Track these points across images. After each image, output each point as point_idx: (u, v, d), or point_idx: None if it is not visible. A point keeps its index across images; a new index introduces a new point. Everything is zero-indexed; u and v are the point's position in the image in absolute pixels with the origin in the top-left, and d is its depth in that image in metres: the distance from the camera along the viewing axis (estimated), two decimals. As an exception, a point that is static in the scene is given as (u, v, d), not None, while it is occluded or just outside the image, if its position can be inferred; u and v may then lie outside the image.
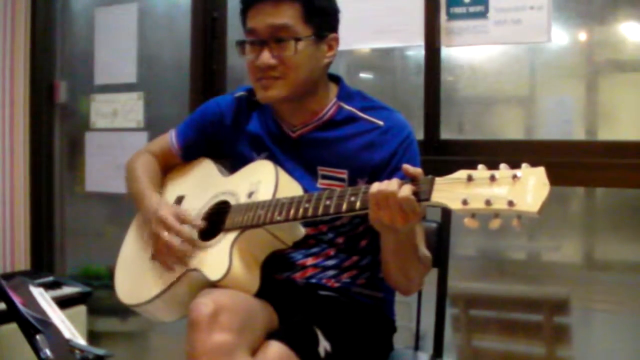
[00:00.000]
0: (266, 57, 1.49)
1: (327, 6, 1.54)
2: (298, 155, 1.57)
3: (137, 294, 1.55)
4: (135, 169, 1.69)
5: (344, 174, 1.53)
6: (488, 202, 1.11)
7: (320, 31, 1.51)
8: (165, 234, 1.48)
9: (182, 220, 1.50)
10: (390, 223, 1.25)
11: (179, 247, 1.47)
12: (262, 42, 1.49)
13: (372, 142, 1.52)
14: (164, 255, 1.50)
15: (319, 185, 1.54)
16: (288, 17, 1.48)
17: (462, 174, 1.17)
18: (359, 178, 1.51)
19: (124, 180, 1.74)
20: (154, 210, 1.54)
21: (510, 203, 1.09)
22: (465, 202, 1.13)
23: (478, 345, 2.34)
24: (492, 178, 1.13)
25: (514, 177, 1.11)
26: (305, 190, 1.48)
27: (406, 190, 1.22)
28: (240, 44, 1.54)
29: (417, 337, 1.79)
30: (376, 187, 1.26)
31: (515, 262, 2.40)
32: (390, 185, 1.24)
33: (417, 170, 1.25)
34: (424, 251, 1.50)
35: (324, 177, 1.54)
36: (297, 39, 1.47)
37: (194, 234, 1.50)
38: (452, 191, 1.16)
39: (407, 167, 1.25)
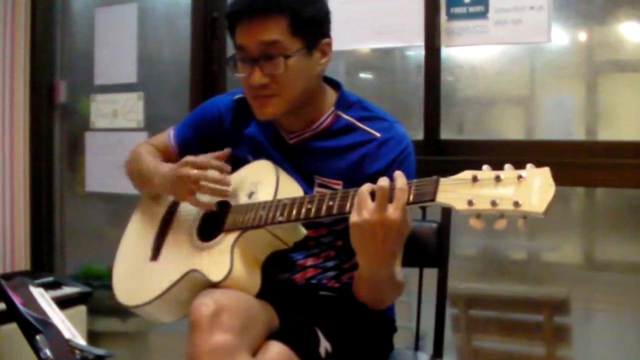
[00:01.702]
0: (258, 76, 1.44)
1: (315, 14, 1.47)
2: (295, 162, 1.55)
3: (136, 295, 1.54)
4: (140, 153, 1.68)
5: (339, 185, 1.51)
6: (494, 203, 1.11)
7: (311, 41, 1.47)
8: (194, 171, 1.46)
9: (204, 165, 1.49)
10: (372, 241, 1.24)
11: (216, 177, 1.45)
12: (252, 60, 1.45)
13: (367, 154, 1.50)
14: (199, 188, 1.47)
15: (315, 193, 1.53)
16: (276, 33, 1.43)
17: (467, 174, 1.17)
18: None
19: (124, 179, 1.72)
20: (173, 165, 1.52)
21: (516, 204, 1.09)
22: (470, 203, 1.13)
23: (478, 345, 2.34)
24: (497, 179, 1.13)
25: (519, 177, 1.11)
26: (305, 194, 1.47)
27: (384, 180, 1.23)
28: (232, 60, 1.50)
29: (417, 337, 1.79)
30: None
31: (515, 262, 2.40)
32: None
33: (401, 182, 1.24)
34: (399, 277, 1.44)
35: (320, 185, 1.53)
36: (287, 56, 1.43)
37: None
38: (457, 192, 1.16)
39: (398, 174, 1.25)
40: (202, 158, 1.51)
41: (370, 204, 1.24)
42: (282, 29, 1.43)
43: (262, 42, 1.43)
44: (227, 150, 1.58)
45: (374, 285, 1.40)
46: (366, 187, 1.26)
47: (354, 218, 1.25)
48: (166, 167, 1.57)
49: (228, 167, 1.52)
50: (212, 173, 1.48)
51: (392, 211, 1.22)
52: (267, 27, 1.43)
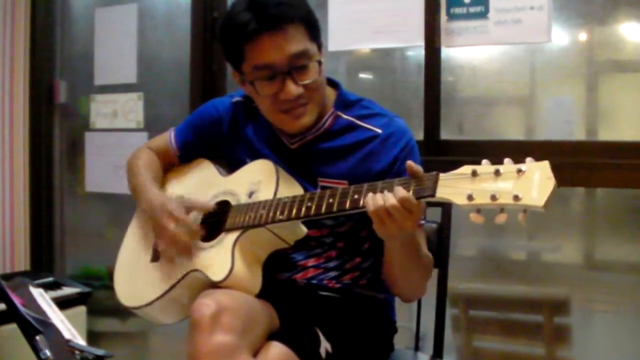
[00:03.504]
0: (293, 88, 1.42)
1: (315, 15, 1.49)
2: (297, 166, 1.55)
3: (138, 296, 1.54)
4: (137, 163, 1.68)
5: (344, 184, 1.49)
6: (493, 197, 1.11)
7: (319, 42, 1.49)
8: (172, 226, 1.46)
9: (189, 209, 1.50)
10: (399, 231, 1.26)
11: (184, 240, 1.46)
12: (283, 74, 1.42)
13: (371, 152, 1.50)
14: (169, 246, 1.48)
15: (316, 192, 1.52)
16: (301, 41, 1.42)
17: (466, 169, 1.17)
18: None
19: (124, 179, 1.73)
20: (160, 203, 1.52)
21: (516, 197, 1.09)
22: (470, 198, 1.13)
23: (478, 345, 2.34)
24: (497, 173, 1.13)
25: (519, 171, 1.11)
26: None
27: (400, 191, 1.22)
28: (251, 84, 1.45)
29: (418, 337, 1.79)
30: (372, 205, 1.25)
31: (515, 262, 2.40)
32: (386, 197, 1.24)
33: (419, 168, 1.24)
34: (426, 252, 1.49)
35: (324, 188, 1.52)
36: (319, 62, 1.44)
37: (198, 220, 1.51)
38: (456, 187, 1.16)
39: (410, 164, 1.25)
40: (183, 217, 1.47)
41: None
42: (303, 36, 1.43)
43: (293, 54, 1.41)
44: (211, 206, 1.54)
45: (407, 263, 1.40)
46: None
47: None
48: (152, 194, 1.57)
49: (198, 234, 1.50)
50: (185, 240, 1.46)
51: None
52: (292, 37, 1.41)
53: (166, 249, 1.50)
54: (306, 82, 1.43)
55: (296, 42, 1.41)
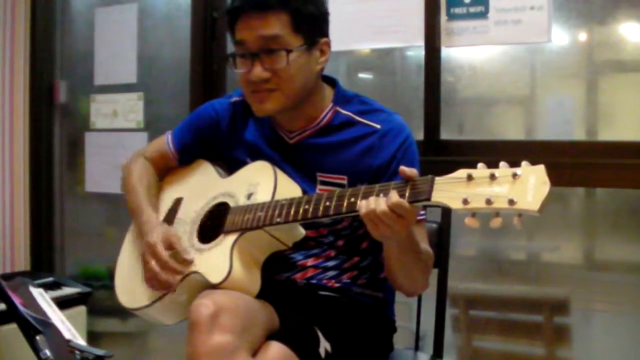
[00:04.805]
0: (258, 70, 1.45)
1: (316, 12, 1.50)
2: (296, 161, 1.55)
3: (138, 298, 1.54)
4: (132, 177, 1.68)
5: (343, 179, 1.52)
6: (489, 201, 1.11)
7: (311, 38, 1.49)
8: (153, 263, 1.46)
9: (170, 246, 1.47)
10: (392, 234, 1.26)
11: (164, 278, 1.45)
12: (252, 55, 1.46)
13: (370, 147, 1.50)
14: (150, 281, 1.49)
15: (317, 191, 1.53)
16: (277, 27, 1.44)
17: (462, 173, 1.17)
18: (359, 183, 1.48)
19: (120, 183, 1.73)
20: (147, 232, 1.52)
21: (511, 202, 1.09)
22: (465, 202, 1.13)
23: (478, 345, 2.34)
24: (492, 177, 1.13)
25: (514, 175, 1.11)
26: (305, 193, 1.48)
27: (393, 197, 1.22)
28: (231, 57, 1.51)
29: (417, 337, 1.80)
30: (364, 207, 1.26)
31: (515, 262, 2.40)
32: (377, 202, 1.24)
33: (413, 172, 1.24)
34: (426, 248, 1.49)
35: (323, 182, 1.53)
36: (289, 51, 1.44)
37: (193, 240, 1.50)
38: (452, 190, 1.16)
39: (403, 169, 1.25)
40: (164, 256, 1.46)
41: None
42: (283, 24, 1.45)
43: (263, 37, 1.44)
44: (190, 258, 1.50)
45: (406, 261, 1.41)
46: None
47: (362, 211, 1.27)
48: (145, 217, 1.57)
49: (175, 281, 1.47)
50: (162, 272, 1.45)
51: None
52: (268, 21, 1.44)
53: (147, 277, 1.50)
54: (273, 67, 1.45)
55: (271, 26, 1.44)
